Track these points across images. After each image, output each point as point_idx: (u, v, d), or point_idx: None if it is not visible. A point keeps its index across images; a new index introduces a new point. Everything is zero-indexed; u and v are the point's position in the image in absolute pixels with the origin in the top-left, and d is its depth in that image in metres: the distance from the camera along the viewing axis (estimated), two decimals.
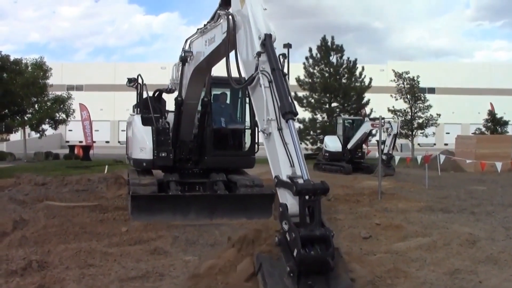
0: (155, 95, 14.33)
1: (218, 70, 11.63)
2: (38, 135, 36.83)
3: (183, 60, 11.46)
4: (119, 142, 68.95)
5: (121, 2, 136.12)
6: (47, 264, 7.67)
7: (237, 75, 7.32)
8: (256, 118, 7.11)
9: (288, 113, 6.22)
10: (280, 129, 6.25)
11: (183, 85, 11.91)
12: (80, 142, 48.68)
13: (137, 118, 13.73)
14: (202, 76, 11.57)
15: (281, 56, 6.94)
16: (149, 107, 13.45)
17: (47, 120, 35.56)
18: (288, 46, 41.99)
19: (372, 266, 7.77)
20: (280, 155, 6.10)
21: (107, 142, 67.18)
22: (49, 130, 38.51)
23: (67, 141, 62.80)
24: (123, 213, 12.46)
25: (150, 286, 6.92)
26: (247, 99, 13.56)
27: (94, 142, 40.51)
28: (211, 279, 6.17)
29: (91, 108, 41.75)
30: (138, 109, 14.21)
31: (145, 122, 13.44)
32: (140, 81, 14.18)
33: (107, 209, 13.05)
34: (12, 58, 32.63)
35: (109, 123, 70.00)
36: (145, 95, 13.92)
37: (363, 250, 9.24)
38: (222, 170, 13.25)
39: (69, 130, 59.94)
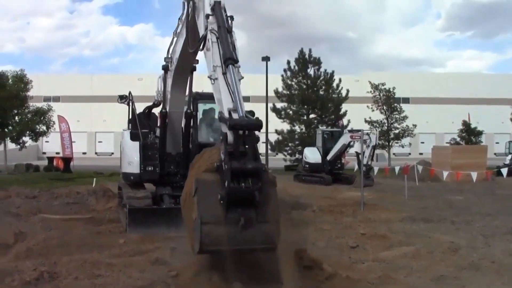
0: (145, 111, 14.71)
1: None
2: (16, 146, 36.77)
3: (165, 68, 12.17)
4: (96, 153, 68.87)
5: (95, 13, 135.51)
6: (57, 275, 7.94)
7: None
8: (207, 70, 7.66)
9: (228, 59, 7.03)
10: (224, 74, 6.99)
11: (166, 94, 12.49)
12: (57, 153, 48.38)
13: (126, 134, 14.21)
14: (183, 79, 12.13)
15: (229, 18, 7.93)
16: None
17: (27, 132, 35.55)
18: (266, 59, 42.56)
19: (362, 274, 8.30)
20: (223, 93, 6.81)
21: (84, 153, 66.71)
22: (28, 142, 38.45)
23: (44, 152, 62.28)
24: (117, 225, 12.89)
25: None
26: None
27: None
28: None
29: (68, 119, 41.60)
30: (130, 125, 14.60)
31: (133, 137, 13.87)
32: (131, 97, 14.58)
33: (101, 222, 13.45)
34: None
35: (86, 134, 69.69)
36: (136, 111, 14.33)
37: (352, 259, 9.70)
38: None
39: (46, 142, 59.42)
